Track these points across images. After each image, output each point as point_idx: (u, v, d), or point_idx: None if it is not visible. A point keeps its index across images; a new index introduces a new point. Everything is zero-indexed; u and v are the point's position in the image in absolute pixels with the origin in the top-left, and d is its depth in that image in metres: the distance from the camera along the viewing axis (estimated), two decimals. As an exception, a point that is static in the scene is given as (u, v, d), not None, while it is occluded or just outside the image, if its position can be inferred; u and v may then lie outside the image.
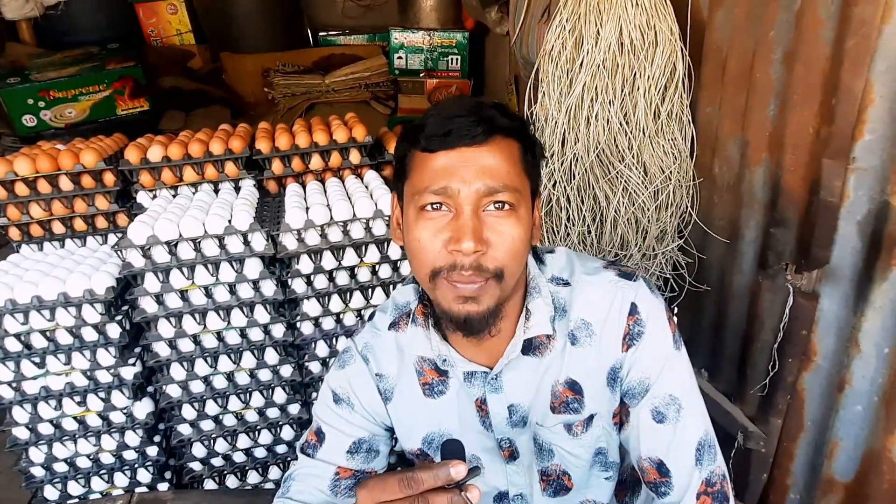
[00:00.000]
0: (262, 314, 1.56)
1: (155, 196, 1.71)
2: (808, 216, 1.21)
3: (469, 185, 0.74)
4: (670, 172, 1.41)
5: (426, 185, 0.75)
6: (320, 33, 4.29)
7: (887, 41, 1.03)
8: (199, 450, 1.68)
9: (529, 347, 0.86)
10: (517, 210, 0.76)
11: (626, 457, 0.95)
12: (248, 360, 1.60)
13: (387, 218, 1.52)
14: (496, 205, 0.75)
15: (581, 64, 1.34)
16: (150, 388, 1.62)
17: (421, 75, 3.83)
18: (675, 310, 1.67)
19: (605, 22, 1.30)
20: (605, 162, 1.42)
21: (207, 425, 1.66)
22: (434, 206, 0.76)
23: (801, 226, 1.24)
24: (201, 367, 1.58)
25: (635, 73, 1.36)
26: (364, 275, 1.58)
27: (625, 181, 1.42)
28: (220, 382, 1.61)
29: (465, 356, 0.87)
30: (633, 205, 1.44)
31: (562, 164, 1.43)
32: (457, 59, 3.77)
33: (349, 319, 1.63)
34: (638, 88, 1.37)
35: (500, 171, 0.75)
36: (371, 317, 1.00)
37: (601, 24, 1.31)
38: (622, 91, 1.36)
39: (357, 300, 1.60)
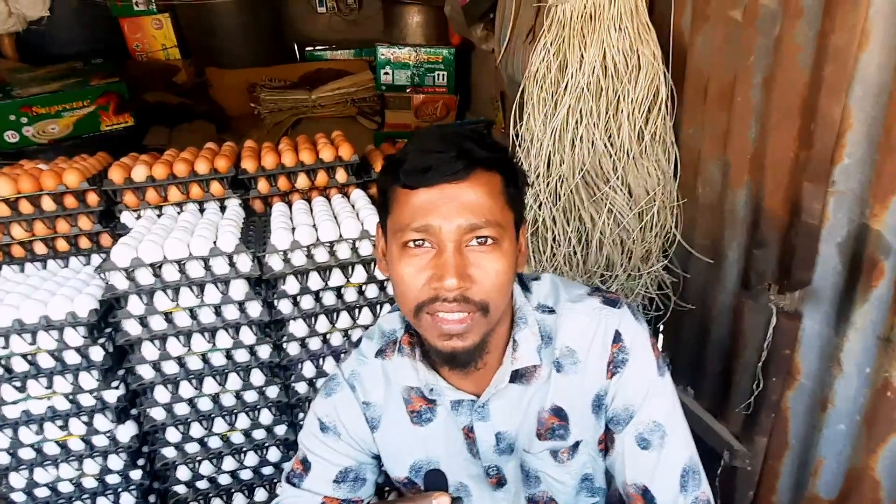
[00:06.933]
0: (247, 335, 1.54)
1: (139, 216, 1.70)
2: (789, 237, 1.23)
3: (451, 221, 0.74)
4: (654, 193, 1.43)
5: (407, 223, 0.75)
6: (306, 48, 4.29)
7: (864, 68, 1.05)
8: (183, 473, 1.65)
9: (516, 376, 0.86)
10: (500, 244, 0.76)
11: (613, 482, 0.95)
12: (234, 381, 1.58)
13: (373, 238, 1.52)
14: (479, 240, 0.75)
15: (566, 87, 1.36)
16: (133, 411, 1.59)
17: (407, 91, 3.84)
18: (661, 328, 1.68)
19: (589, 46, 1.32)
20: (591, 183, 1.44)
21: (192, 448, 1.63)
22: (416, 242, 0.76)
23: (783, 247, 1.25)
24: (186, 390, 1.56)
25: (619, 96, 1.38)
26: (351, 295, 1.58)
27: (610, 202, 1.44)
28: (205, 404, 1.59)
29: (453, 384, 0.87)
30: (619, 226, 1.45)
31: (547, 186, 1.45)
32: (443, 75, 3.79)
33: (336, 340, 1.62)
34: (622, 111, 1.38)
35: (482, 206, 0.75)
36: (357, 342, 0.99)
37: (585, 48, 1.32)
38: (606, 113, 1.38)
39: (344, 320, 1.60)
